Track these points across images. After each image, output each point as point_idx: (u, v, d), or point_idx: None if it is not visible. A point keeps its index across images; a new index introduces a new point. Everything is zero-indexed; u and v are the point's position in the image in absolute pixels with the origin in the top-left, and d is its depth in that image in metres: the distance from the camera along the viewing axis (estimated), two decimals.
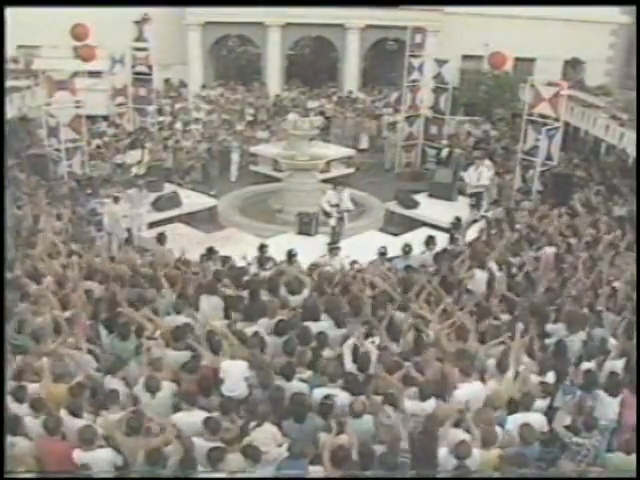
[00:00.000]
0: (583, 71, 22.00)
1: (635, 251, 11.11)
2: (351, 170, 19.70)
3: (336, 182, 17.48)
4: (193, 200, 16.31)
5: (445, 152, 20.02)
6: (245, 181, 19.32)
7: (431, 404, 6.90)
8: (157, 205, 15.11)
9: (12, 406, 6.50)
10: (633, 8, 26.14)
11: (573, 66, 18.15)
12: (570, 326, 8.66)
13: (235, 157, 19.74)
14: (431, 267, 10.89)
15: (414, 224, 15.89)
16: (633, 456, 6.30)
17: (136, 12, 19.82)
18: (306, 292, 9.39)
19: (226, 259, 11.14)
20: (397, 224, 16.13)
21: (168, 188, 16.50)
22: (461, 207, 16.46)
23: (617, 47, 26.72)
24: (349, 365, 7.65)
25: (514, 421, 6.80)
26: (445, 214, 15.87)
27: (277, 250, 12.84)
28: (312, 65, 27.76)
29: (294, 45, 25.30)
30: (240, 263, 10.79)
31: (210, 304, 8.69)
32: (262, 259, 10.53)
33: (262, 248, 10.89)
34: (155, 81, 20.60)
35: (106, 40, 17.99)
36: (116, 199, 13.49)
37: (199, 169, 19.23)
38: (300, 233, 14.35)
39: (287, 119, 19.75)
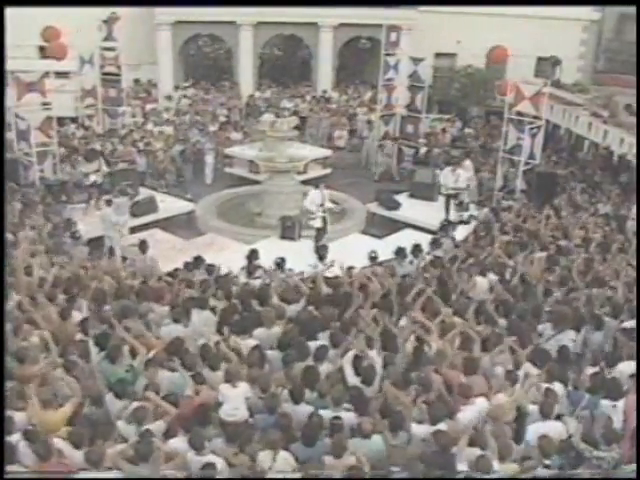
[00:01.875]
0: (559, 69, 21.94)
1: (631, 252, 10.96)
2: (328, 170, 19.38)
3: (314, 183, 17.25)
4: (169, 204, 15.85)
5: (423, 151, 19.89)
6: (220, 183, 18.86)
7: (442, 426, 6.59)
8: (133, 210, 14.59)
9: None
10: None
11: (553, 65, 18.10)
12: (556, 325, 8.50)
13: (209, 159, 19.28)
14: (426, 273, 10.59)
15: (397, 225, 15.67)
16: None
17: (104, 12, 19.23)
18: (302, 302, 9.02)
19: (211, 268, 10.71)
20: (379, 226, 15.86)
21: (142, 192, 16.04)
22: (443, 208, 16.27)
23: (588, 44, 26.88)
24: (352, 379, 7.30)
25: (534, 432, 6.54)
26: (428, 215, 15.70)
27: (261, 256, 12.60)
28: (284, 64, 27.34)
29: (265, 44, 24.77)
30: (225, 271, 10.38)
31: (201, 319, 8.25)
32: (251, 267, 10.07)
33: (251, 255, 10.42)
34: (124, 82, 19.99)
35: (74, 40, 17.40)
36: (109, 202, 13.01)
37: (173, 172, 18.73)
38: (283, 237, 13.99)
39: (262, 120, 19.36)
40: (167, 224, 15.11)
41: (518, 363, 7.67)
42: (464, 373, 7.39)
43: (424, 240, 14.09)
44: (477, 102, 25.34)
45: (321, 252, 10.72)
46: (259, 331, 8.17)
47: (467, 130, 22.62)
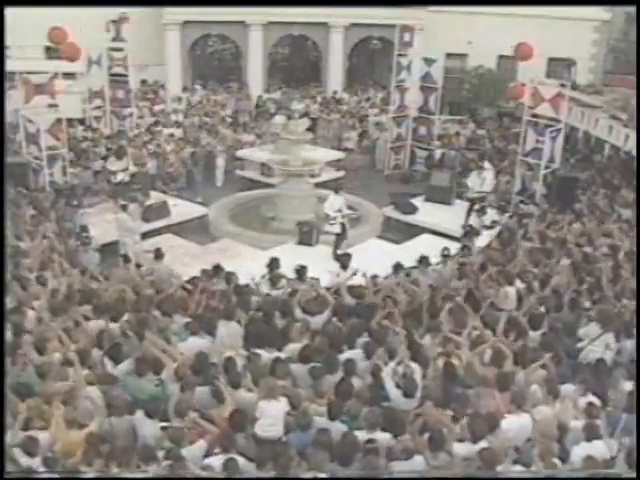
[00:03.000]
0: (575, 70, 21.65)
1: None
2: (341, 173, 19.06)
3: (327, 186, 16.93)
4: (182, 209, 15.50)
5: (438, 153, 19.58)
6: (231, 187, 18.56)
7: (483, 444, 6.30)
8: (145, 215, 14.26)
9: (23, 460, 5.74)
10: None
11: (568, 66, 17.77)
12: (603, 325, 8.27)
13: (220, 162, 18.98)
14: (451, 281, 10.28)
15: (413, 230, 15.35)
16: None
17: (110, 12, 18.92)
18: (326, 313, 8.71)
19: (229, 276, 10.39)
20: (395, 230, 15.54)
21: (153, 196, 15.74)
22: (460, 211, 15.95)
23: (600, 44, 26.57)
24: (393, 392, 6.97)
25: (579, 452, 6.24)
26: (445, 219, 15.38)
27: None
28: (293, 65, 26.99)
29: (274, 44, 24.44)
30: (245, 280, 10.06)
31: (228, 331, 7.93)
32: (274, 277, 9.73)
33: (272, 264, 10.07)
34: (131, 83, 19.69)
35: (81, 40, 17.07)
36: (124, 207, 12.70)
37: (183, 175, 18.43)
38: (300, 243, 13.64)
39: (274, 122, 19.07)
40: (180, 229, 14.78)
41: (557, 379, 7.36)
42: (498, 390, 7.08)
43: (444, 246, 14.04)
44: (488, 103, 25.02)
45: (343, 260, 10.37)
46: (291, 348, 7.86)
47: (479, 132, 22.28)
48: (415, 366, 7.19)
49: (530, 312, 9.06)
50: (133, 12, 19.50)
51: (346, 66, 24.64)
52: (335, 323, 8.46)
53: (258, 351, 7.64)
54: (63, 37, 15.69)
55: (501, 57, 26.16)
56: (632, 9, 26.90)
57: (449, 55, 25.16)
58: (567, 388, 7.37)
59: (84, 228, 12.04)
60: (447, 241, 14.30)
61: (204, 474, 5.60)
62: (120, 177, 15.52)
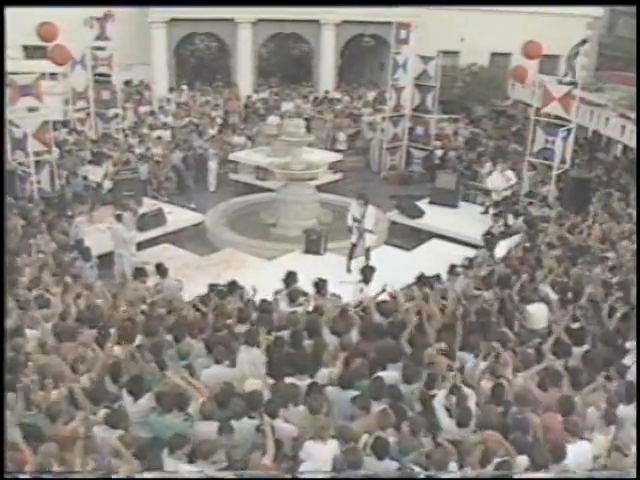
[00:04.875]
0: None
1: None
2: (339, 176, 18.38)
3: (325, 189, 16.28)
4: (177, 216, 14.72)
5: (438, 154, 19.03)
6: (225, 191, 17.83)
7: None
8: (140, 224, 13.44)
9: None
10: None
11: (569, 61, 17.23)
12: None
13: (213, 165, 18.21)
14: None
15: (421, 235, 14.75)
16: None
17: (97, 9, 18.03)
18: (354, 333, 8.03)
19: (241, 290, 9.66)
20: (402, 236, 14.90)
21: (145, 203, 14.96)
22: (467, 214, 15.42)
23: (592, 40, 26.21)
24: (446, 422, 6.34)
25: None
26: (453, 223, 14.81)
27: (282, 273, 11.55)
28: (283, 63, 26.20)
29: (264, 42, 23.62)
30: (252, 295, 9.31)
31: (250, 358, 7.19)
32: (292, 293, 8.99)
33: (289, 278, 9.33)
34: (115, 83, 18.79)
35: (64, 39, 16.16)
36: (119, 217, 11.92)
37: (174, 179, 17.61)
38: (307, 252, 12.93)
39: (268, 123, 18.37)
40: (176, 238, 14.02)
41: (614, 402, 6.77)
42: (561, 414, 6.47)
43: (456, 252, 13.42)
44: (482, 101, 24.54)
45: (367, 274, 9.60)
46: (323, 373, 7.16)
47: (476, 131, 21.75)
48: (469, 391, 6.56)
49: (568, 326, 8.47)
50: (116, 10, 18.61)
51: (338, 64, 23.90)
52: (369, 344, 7.79)
53: (288, 379, 6.96)
54: (53, 33, 14.78)
55: (494, 54, 25.77)
56: None
57: (441, 53, 24.81)
58: (623, 410, 6.78)
59: (81, 241, 11.18)
60: (458, 246, 13.83)
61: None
62: (106, 185, 14.73)
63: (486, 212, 14.92)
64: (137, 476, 5.34)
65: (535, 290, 9.39)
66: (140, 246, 12.89)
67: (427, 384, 6.92)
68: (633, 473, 5.58)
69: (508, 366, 7.38)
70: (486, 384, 7.13)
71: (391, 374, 7.22)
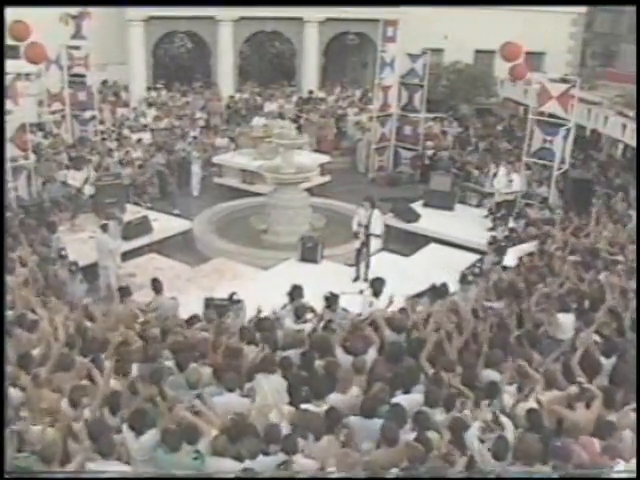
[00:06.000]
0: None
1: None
2: (327, 178, 17.80)
3: (314, 193, 15.68)
4: (163, 223, 14.00)
5: (428, 153, 18.58)
6: (209, 196, 17.15)
7: None
8: (125, 232, 12.73)
9: None
10: None
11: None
12: None
13: (196, 169, 17.51)
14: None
15: (417, 240, 14.22)
16: None
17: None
18: (372, 352, 7.45)
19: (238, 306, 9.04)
20: (398, 241, 14.33)
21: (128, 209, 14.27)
22: (463, 217, 14.93)
23: (577, 37, 26.00)
24: (482, 456, 5.76)
25: None
26: (450, 227, 14.31)
27: (281, 284, 10.96)
28: (265, 63, 25.47)
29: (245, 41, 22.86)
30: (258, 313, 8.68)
31: (271, 386, 6.56)
32: (299, 308, 8.36)
33: (294, 292, 8.71)
34: (91, 84, 17.98)
35: (38, 37, 15.32)
36: (104, 227, 11.20)
37: (156, 184, 16.88)
38: (303, 260, 12.31)
39: (254, 124, 17.73)
40: (163, 247, 13.31)
41: None
42: (599, 438, 5.97)
43: (456, 258, 12.96)
44: (467, 100, 24.12)
45: (377, 286, 8.96)
46: (335, 397, 6.56)
47: (461, 130, 21.29)
48: (506, 421, 6.02)
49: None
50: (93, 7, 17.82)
51: (321, 63, 23.27)
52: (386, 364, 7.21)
53: (304, 406, 6.37)
54: (26, 32, 13.97)
55: (478, 52, 25.37)
56: None
57: (429, 50, 24.34)
58: None
59: (65, 254, 10.43)
60: (457, 251, 13.35)
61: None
62: (87, 190, 13.98)
63: (489, 215, 14.43)
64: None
65: (550, 299, 8.90)
66: (125, 256, 12.19)
67: (447, 406, 6.40)
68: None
69: (537, 386, 6.89)
70: (518, 407, 6.62)
71: (413, 397, 6.69)
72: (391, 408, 6.27)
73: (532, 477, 5.43)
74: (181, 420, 5.86)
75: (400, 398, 6.62)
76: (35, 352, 7.04)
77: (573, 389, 6.69)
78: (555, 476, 5.48)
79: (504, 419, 6.04)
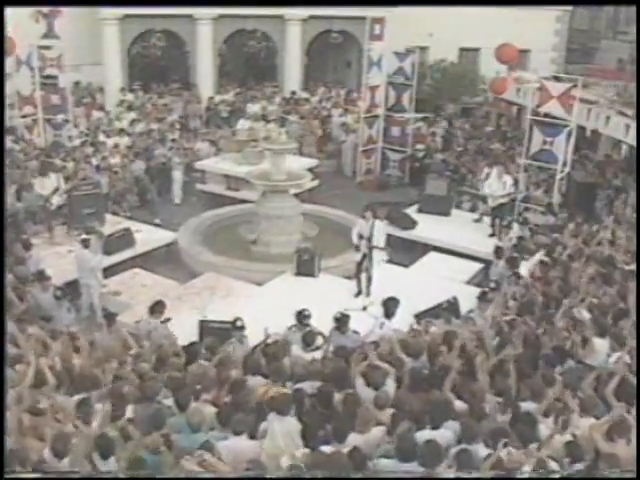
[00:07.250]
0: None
1: None
2: (316, 182, 17.05)
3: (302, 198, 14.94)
4: (146, 235, 13.14)
5: (419, 155, 17.97)
6: (191, 203, 16.34)
7: None
8: (107, 247, 11.84)
9: None
10: None
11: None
12: None
13: (177, 175, 16.67)
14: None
15: (415, 248, 13.59)
16: None
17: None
18: (390, 383, 6.75)
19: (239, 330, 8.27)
20: (394, 249, 13.54)
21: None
22: (461, 224, 14.30)
23: (562, 34, 25.60)
24: None
25: None
26: (448, 234, 13.67)
27: (278, 301, 10.28)
28: (245, 62, 24.56)
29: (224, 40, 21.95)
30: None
31: (284, 429, 5.83)
32: (308, 336, 7.62)
33: (301, 316, 7.97)
34: (64, 86, 17.07)
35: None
36: (85, 242, 10.38)
37: (134, 191, 16.00)
38: (299, 274, 11.55)
39: (239, 127, 16.94)
40: (147, 261, 12.46)
41: None
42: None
43: (459, 267, 12.35)
44: (453, 99, 23.56)
45: (390, 307, 8.24)
46: (354, 438, 5.84)
47: (450, 130, 20.72)
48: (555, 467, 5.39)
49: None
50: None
51: (304, 62, 22.49)
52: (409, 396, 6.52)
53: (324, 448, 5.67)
54: None
55: (462, 50, 24.83)
56: None
57: (417, 48, 23.69)
58: None
59: (42, 274, 9.53)
60: (457, 260, 12.73)
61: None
62: (56, 201, 13.02)
63: (480, 219, 13.89)
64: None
65: (576, 320, 8.28)
66: (106, 272, 11.34)
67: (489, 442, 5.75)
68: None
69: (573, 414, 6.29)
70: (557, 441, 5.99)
71: (444, 434, 6.02)
72: (424, 446, 5.58)
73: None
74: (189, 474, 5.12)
75: (429, 434, 5.96)
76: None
77: (606, 418, 6.11)
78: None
79: (553, 464, 5.40)
